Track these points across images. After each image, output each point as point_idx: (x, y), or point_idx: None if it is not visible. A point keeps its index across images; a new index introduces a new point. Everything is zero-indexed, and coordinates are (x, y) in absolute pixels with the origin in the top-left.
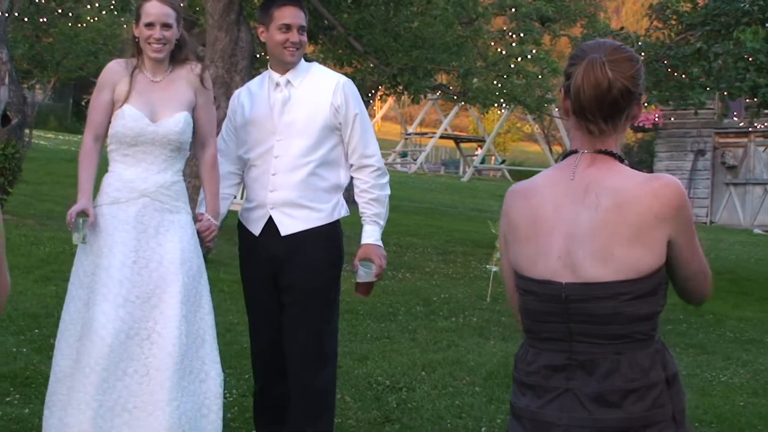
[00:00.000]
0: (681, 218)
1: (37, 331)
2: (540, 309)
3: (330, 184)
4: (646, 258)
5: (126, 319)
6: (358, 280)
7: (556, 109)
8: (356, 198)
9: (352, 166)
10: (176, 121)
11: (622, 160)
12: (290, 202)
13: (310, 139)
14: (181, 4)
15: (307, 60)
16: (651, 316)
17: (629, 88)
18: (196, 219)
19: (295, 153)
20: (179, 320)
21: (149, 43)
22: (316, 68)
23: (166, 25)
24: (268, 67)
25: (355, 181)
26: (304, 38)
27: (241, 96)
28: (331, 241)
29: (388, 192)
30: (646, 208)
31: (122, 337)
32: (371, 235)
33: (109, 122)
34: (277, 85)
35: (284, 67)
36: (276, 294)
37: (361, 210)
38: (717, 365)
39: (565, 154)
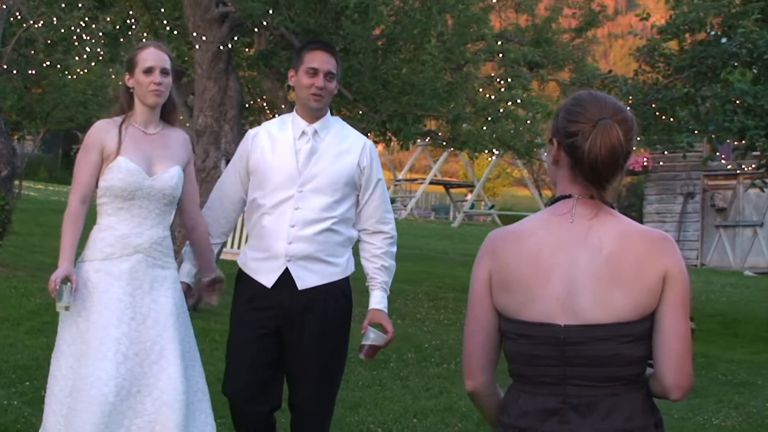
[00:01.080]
0: (677, 261)
1: (27, 383)
2: (534, 352)
3: (344, 239)
4: (644, 298)
5: (127, 376)
6: (367, 342)
7: (545, 154)
8: (364, 261)
9: (365, 230)
10: (171, 176)
11: (614, 208)
12: (308, 255)
13: (333, 195)
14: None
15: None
16: (644, 359)
17: (630, 146)
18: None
19: (317, 207)
20: (180, 375)
21: (149, 90)
22: (338, 122)
23: (164, 71)
24: (294, 111)
25: (365, 245)
26: (332, 85)
27: (259, 137)
28: (345, 297)
29: (394, 261)
30: (645, 248)
31: (123, 393)
32: (380, 301)
33: (97, 182)
34: (303, 133)
35: (312, 115)
36: (275, 345)
37: (370, 275)
38: (709, 408)
39: (556, 198)
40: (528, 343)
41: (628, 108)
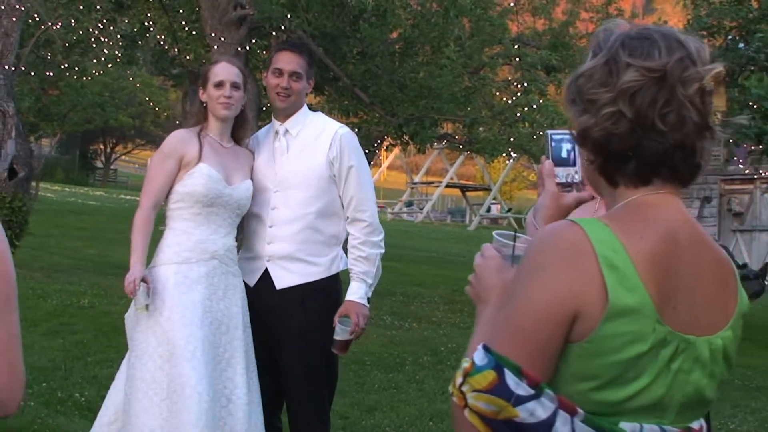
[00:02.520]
0: None
1: (44, 384)
2: None
3: (328, 237)
4: None
5: (211, 377)
6: (335, 337)
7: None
8: (348, 252)
9: (346, 219)
10: (247, 187)
11: None
12: (287, 255)
13: (307, 192)
14: (187, 57)
15: (313, 110)
16: None
17: None
18: None
19: (293, 205)
20: (246, 387)
21: (219, 103)
22: (317, 118)
23: (234, 85)
24: (272, 115)
25: (348, 236)
26: (298, 85)
27: (250, 144)
28: (328, 296)
29: (381, 251)
30: None
31: (212, 393)
32: (355, 292)
33: (170, 190)
34: (277, 133)
35: (283, 115)
36: (265, 343)
37: (349, 265)
38: (725, 413)
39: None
40: None
41: None
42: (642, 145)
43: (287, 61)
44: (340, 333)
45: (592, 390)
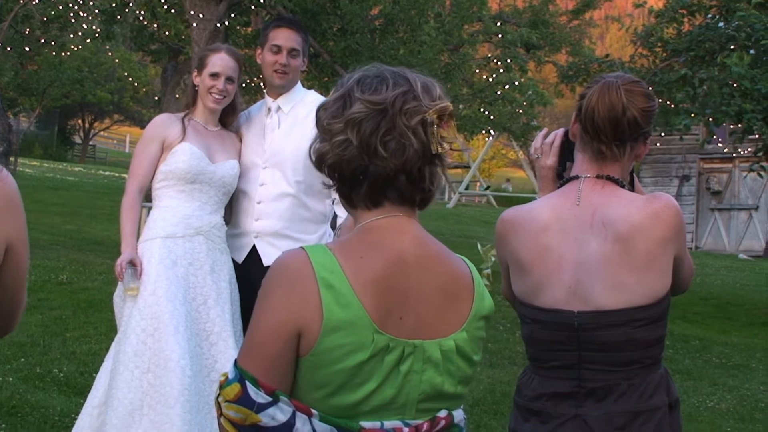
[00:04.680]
0: (682, 234)
1: (23, 360)
2: (549, 338)
3: (316, 214)
4: (658, 282)
5: (194, 353)
6: None
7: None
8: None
9: (333, 200)
10: (231, 166)
11: (622, 186)
12: (275, 231)
13: (296, 168)
14: (167, 33)
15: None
16: (660, 340)
17: (639, 121)
18: None
19: (281, 181)
20: None
21: (210, 93)
22: (310, 95)
23: (229, 79)
24: (265, 92)
25: (336, 216)
26: (296, 62)
27: (241, 120)
28: None
29: None
30: (653, 234)
31: (195, 368)
32: None
33: (154, 174)
34: (269, 110)
35: (276, 92)
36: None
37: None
38: (703, 391)
39: (565, 180)
40: (542, 329)
41: None
42: (368, 169)
43: (286, 37)
44: None
45: (326, 396)
